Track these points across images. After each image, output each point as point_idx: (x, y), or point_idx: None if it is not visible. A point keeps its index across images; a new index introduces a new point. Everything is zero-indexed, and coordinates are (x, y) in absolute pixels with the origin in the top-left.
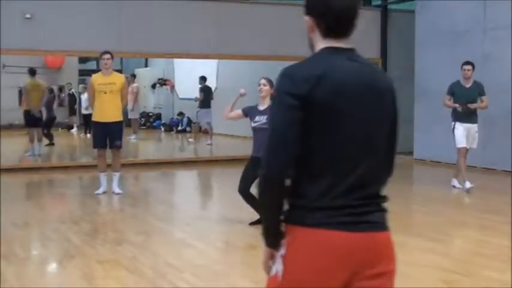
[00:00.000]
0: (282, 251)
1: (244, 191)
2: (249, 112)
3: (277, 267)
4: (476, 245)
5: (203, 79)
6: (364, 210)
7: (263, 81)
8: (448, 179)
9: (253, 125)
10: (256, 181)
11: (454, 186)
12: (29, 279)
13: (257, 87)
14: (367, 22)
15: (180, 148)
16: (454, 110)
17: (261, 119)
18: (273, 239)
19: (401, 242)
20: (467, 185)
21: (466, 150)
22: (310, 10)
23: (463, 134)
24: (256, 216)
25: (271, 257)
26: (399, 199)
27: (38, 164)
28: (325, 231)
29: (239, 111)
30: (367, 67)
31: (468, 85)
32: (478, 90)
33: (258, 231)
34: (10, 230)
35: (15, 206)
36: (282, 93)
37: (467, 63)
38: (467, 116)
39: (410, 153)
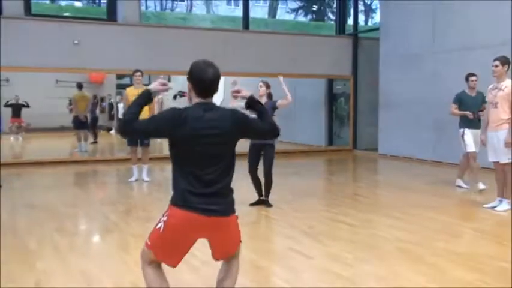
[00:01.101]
0: (165, 218)
1: (252, 170)
2: None
3: (161, 225)
4: (427, 221)
5: None
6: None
7: (261, 83)
8: (405, 169)
9: (253, 116)
10: (260, 163)
11: (460, 186)
12: (78, 249)
13: (256, 89)
14: (341, 47)
15: None
16: (463, 117)
17: None
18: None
19: (368, 219)
20: (481, 186)
21: (476, 154)
22: (190, 79)
23: (472, 139)
24: (255, 197)
25: None
26: (367, 186)
27: (84, 158)
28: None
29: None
30: (217, 115)
31: (474, 94)
32: (482, 99)
33: (257, 210)
34: (62, 210)
35: (66, 190)
36: (167, 112)
37: (473, 74)
38: (475, 122)
39: (375, 149)
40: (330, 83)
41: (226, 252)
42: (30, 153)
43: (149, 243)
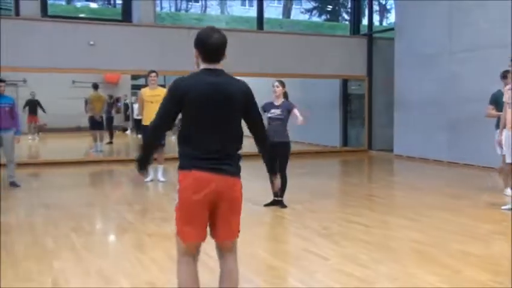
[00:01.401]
0: (177, 188)
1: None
2: (266, 106)
3: (177, 200)
4: (442, 223)
5: None
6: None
7: (276, 83)
8: (421, 170)
9: (269, 115)
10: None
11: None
12: (94, 248)
13: (271, 89)
14: (356, 47)
15: None
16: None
17: (276, 111)
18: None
19: (384, 220)
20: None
21: None
22: (195, 45)
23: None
24: (270, 198)
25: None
26: (382, 187)
27: (100, 158)
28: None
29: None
30: (224, 79)
31: None
32: None
33: (272, 211)
34: (78, 209)
35: (82, 190)
36: (173, 92)
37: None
38: None
39: (391, 150)
40: (345, 83)
41: (229, 229)
42: (47, 153)
43: (175, 228)
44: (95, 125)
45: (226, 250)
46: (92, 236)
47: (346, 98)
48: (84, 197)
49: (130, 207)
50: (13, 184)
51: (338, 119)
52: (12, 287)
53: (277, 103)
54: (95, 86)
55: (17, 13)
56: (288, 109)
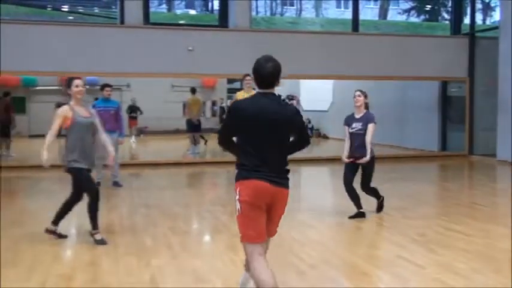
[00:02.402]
0: (237, 197)
1: (347, 182)
2: (348, 121)
3: (238, 207)
4: None
5: None
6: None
7: (358, 93)
8: None
9: (351, 130)
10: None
11: None
12: (189, 247)
13: (353, 99)
14: (457, 48)
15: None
16: None
17: (357, 126)
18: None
19: (485, 228)
20: None
21: None
22: (253, 72)
23: None
24: (354, 210)
25: None
26: (484, 193)
27: (197, 160)
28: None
29: (345, 128)
30: (274, 102)
31: None
32: None
33: (358, 222)
34: (175, 209)
35: (179, 191)
36: (231, 111)
37: None
38: None
39: (494, 155)
40: (444, 85)
41: (276, 227)
42: (147, 154)
43: (240, 234)
44: (192, 127)
45: (267, 242)
46: (187, 236)
47: (445, 100)
48: (181, 198)
49: (224, 208)
50: (116, 184)
51: (437, 122)
52: (113, 281)
53: (358, 115)
54: (193, 90)
55: (122, 21)
56: (367, 122)
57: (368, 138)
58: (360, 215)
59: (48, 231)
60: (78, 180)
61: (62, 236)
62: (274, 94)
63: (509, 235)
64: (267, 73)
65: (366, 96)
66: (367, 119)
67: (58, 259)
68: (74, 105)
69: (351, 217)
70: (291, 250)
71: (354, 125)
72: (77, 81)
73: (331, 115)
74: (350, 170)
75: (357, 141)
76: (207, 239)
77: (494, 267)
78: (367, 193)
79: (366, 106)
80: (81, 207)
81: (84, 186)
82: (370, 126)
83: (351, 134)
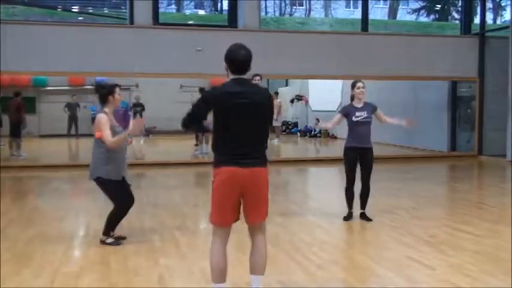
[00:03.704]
0: (212, 179)
1: (351, 179)
2: (348, 110)
3: (212, 190)
4: None
5: None
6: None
7: (361, 84)
8: None
9: (356, 119)
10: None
11: None
12: (197, 247)
13: (356, 90)
14: (467, 47)
15: (313, 149)
16: None
17: (363, 114)
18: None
19: (495, 229)
20: None
21: None
22: (225, 60)
23: None
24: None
25: None
26: (494, 194)
27: (205, 160)
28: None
29: (338, 116)
30: (248, 87)
31: None
32: None
33: (375, 217)
34: (184, 209)
35: (187, 190)
36: (205, 96)
37: None
38: None
39: (504, 155)
40: (454, 85)
41: (258, 212)
42: (155, 154)
43: (210, 215)
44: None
45: (256, 232)
46: (196, 236)
47: (455, 100)
48: (189, 197)
49: None
50: None
51: (446, 122)
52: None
53: (358, 105)
54: (201, 91)
55: (131, 22)
56: (372, 110)
57: (386, 119)
58: (351, 215)
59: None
60: (113, 192)
61: (120, 238)
62: (247, 80)
63: None
64: (240, 59)
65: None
66: (371, 107)
67: (67, 258)
68: (110, 114)
69: (346, 218)
70: (299, 250)
71: (357, 113)
72: (118, 89)
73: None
74: (353, 163)
75: (363, 130)
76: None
77: (503, 268)
78: (364, 189)
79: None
80: (89, 207)
81: (119, 197)
82: (379, 111)
83: (355, 122)
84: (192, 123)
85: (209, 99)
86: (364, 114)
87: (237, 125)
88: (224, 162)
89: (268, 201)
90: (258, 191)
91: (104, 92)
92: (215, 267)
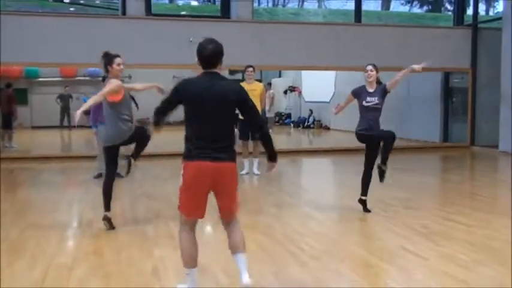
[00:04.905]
0: (182, 172)
1: (370, 166)
2: (359, 92)
3: (181, 181)
4: None
5: None
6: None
7: (370, 67)
8: None
9: (366, 104)
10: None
11: None
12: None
13: (364, 74)
14: (459, 39)
15: (307, 140)
16: None
17: (373, 100)
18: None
19: (487, 219)
20: None
21: None
22: (196, 55)
23: None
24: (355, 201)
25: None
26: (486, 184)
27: None
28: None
29: (349, 96)
30: (218, 81)
31: None
32: None
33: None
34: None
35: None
36: (176, 88)
37: None
38: None
39: (496, 146)
40: (447, 76)
41: (230, 207)
42: (148, 145)
43: (179, 204)
44: None
45: (230, 223)
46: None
47: (448, 91)
48: None
49: None
50: (117, 175)
51: (439, 113)
52: (115, 271)
53: (371, 89)
54: None
55: (124, 12)
56: (383, 93)
57: (397, 78)
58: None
59: None
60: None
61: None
62: (218, 73)
63: (510, 226)
64: (209, 54)
65: (377, 71)
66: (383, 92)
67: (60, 249)
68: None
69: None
70: (292, 241)
71: (368, 98)
72: (118, 60)
73: (333, 105)
74: (374, 151)
75: (373, 116)
76: (210, 231)
77: (496, 258)
78: (381, 165)
79: (378, 81)
80: (82, 198)
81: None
82: (388, 84)
83: (365, 107)
84: (160, 113)
85: (179, 91)
86: (374, 100)
87: (204, 118)
88: (191, 157)
89: (238, 196)
90: (226, 185)
91: (105, 61)
92: (186, 254)
